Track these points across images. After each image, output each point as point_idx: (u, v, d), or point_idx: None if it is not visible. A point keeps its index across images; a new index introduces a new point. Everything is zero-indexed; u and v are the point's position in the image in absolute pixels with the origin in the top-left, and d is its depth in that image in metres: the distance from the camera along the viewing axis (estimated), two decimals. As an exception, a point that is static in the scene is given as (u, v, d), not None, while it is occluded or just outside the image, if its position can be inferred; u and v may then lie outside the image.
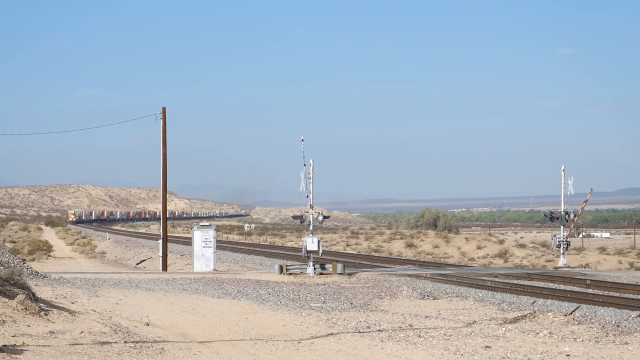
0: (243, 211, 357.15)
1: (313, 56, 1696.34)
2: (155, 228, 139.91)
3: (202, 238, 44.83)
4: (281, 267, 40.84)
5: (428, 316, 25.83)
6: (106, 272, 44.13)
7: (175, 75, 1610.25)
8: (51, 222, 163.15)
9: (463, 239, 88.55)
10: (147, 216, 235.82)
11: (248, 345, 19.50)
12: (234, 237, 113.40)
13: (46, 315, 19.95)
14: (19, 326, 18.34)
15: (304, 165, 38.70)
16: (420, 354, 19.12)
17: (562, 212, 49.15)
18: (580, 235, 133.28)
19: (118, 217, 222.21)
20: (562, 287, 34.02)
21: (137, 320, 22.29)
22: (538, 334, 22.07)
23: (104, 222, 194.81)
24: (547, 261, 67.85)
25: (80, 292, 28.68)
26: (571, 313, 25.25)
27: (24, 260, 39.13)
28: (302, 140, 38.91)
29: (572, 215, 49.64)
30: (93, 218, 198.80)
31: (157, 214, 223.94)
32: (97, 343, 17.63)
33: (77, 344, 17.25)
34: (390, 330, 22.45)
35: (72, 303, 24.67)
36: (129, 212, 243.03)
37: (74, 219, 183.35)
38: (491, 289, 32.53)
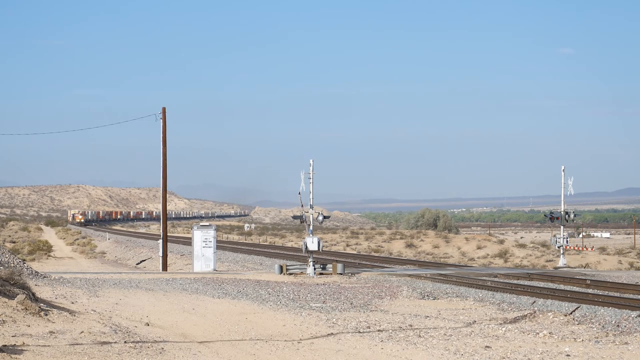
0: (243, 211, 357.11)
1: (313, 56, 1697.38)
2: (155, 228, 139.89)
3: (202, 238, 44.84)
4: (281, 267, 40.87)
5: (428, 316, 25.83)
6: (106, 272, 44.13)
7: (175, 75, 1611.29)
8: (51, 222, 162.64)
9: (463, 239, 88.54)
10: (150, 216, 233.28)
11: (248, 345, 19.50)
12: (234, 237, 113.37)
13: (46, 315, 19.95)
14: (19, 326, 18.33)
15: (302, 205, 39.57)
16: (420, 354, 19.11)
17: (562, 212, 49.17)
18: (580, 236, 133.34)
19: (134, 216, 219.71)
20: (562, 287, 34.03)
21: (137, 320, 22.28)
22: (538, 334, 22.07)
23: (111, 222, 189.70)
24: (547, 261, 67.84)
25: (80, 292, 28.68)
26: (571, 313, 25.25)
27: (24, 260, 39.14)
28: (300, 193, 39.50)
29: (572, 215, 49.68)
30: (101, 218, 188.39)
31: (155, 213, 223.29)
32: (97, 343, 17.63)
33: (77, 344, 17.25)
34: (390, 330, 22.44)
35: (72, 303, 24.67)
36: (140, 212, 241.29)
37: (82, 220, 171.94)
38: (491, 289, 32.53)
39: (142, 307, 25.43)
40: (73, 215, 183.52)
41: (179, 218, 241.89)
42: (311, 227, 39.78)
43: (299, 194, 39.31)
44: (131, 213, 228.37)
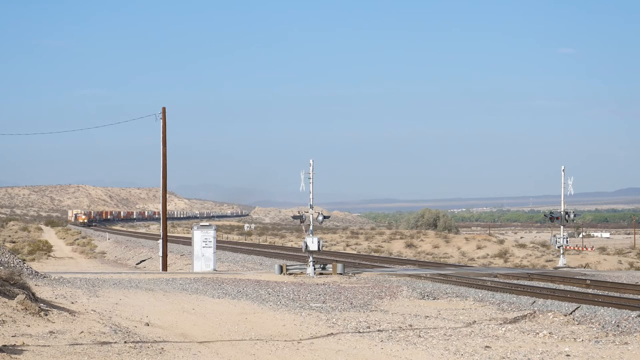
0: (243, 211, 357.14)
1: (313, 56, 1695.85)
2: (155, 228, 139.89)
3: (202, 238, 44.85)
4: (281, 267, 40.88)
5: (428, 316, 25.83)
6: (106, 272, 44.13)
7: (175, 75, 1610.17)
8: (51, 222, 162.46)
9: (463, 239, 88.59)
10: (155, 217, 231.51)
11: (248, 345, 19.50)
12: (234, 237, 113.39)
13: (46, 315, 19.95)
14: (19, 326, 18.33)
15: (302, 222, 40.32)
16: (420, 354, 19.11)
17: (562, 212, 49.15)
18: (580, 236, 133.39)
19: (125, 216, 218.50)
20: (562, 287, 34.03)
21: (137, 320, 22.29)
22: (538, 334, 22.08)
23: (107, 222, 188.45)
24: (547, 261, 67.87)
25: (80, 292, 28.68)
26: (571, 313, 25.25)
27: (24, 260, 39.15)
28: (300, 213, 40.46)
29: (572, 215, 49.68)
30: (92, 218, 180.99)
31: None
32: (97, 343, 17.63)
33: (77, 344, 17.25)
34: (390, 330, 22.44)
35: (72, 303, 24.67)
36: (131, 212, 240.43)
37: (85, 220, 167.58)
38: (491, 289, 32.53)
39: (142, 307, 25.44)
40: (75, 215, 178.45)
41: (179, 218, 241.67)
42: (311, 227, 39.79)
43: (299, 213, 40.16)
44: (121, 213, 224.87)
